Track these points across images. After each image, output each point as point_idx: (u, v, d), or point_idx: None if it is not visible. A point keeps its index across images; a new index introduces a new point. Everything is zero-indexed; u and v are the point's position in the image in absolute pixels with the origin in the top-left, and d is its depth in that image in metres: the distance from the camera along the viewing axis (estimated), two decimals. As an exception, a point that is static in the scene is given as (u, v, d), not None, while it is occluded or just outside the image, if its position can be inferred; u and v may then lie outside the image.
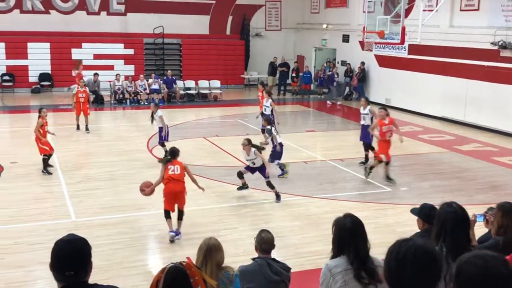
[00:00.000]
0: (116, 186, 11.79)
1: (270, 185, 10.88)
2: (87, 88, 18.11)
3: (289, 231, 9.30)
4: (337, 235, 3.79)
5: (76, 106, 17.41)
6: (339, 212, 9.66)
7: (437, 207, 4.61)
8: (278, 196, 10.88)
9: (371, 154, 13.53)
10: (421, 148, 16.27)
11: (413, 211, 5.09)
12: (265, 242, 5.18)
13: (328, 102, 25.11)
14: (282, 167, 12.73)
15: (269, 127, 12.99)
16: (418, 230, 5.01)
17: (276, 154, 12.70)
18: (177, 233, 8.97)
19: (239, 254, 8.13)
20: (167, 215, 9.02)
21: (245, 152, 10.91)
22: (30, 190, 11.37)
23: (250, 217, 10.04)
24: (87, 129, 17.35)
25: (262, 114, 15.71)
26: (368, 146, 13.84)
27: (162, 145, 13.97)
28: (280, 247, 7.20)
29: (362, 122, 14.02)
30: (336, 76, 25.48)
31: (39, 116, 12.64)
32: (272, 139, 12.80)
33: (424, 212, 4.95)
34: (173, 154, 9.31)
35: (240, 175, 11.19)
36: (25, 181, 12.00)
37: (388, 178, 12.25)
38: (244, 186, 11.25)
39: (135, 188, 11.46)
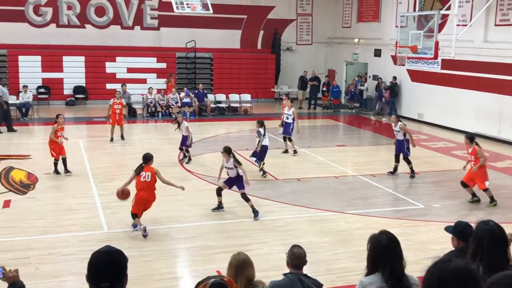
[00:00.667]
0: (147, 198, 11.87)
1: (245, 197, 10.76)
2: (123, 100, 18.66)
3: (320, 247, 9.22)
4: (372, 251, 3.74)
5: (112, 117, 17.92)
6: (371, 229, 9.56)
7: (472, 224, 4.53)
8: (255, 213, 10.57)
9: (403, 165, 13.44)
10: (454, 164, 15.98)
11: (448, 228, 5.00)
12: (297, 257, 5.13)
13: (371, 117, 24.45)
14: (258, 164, 14.03)
15: (260, 129, 13.90)
16: (452, 248, 4.91)
17: (258, 154, 13.92)
18: (135, 225, 9.75)
19: (269, 269, 8.09)
20: (134, 216, 9.66)
21: (224, 159, 10.99)
22: (64, 201, 11.55)
23: (280, 232, 9.99)
24: (122, 137, 17.97)
25: (283, 123, 16.55)
26: (405, 159, 14.20)
27: (186, 150, 15.29)
28: (311, 263, 7.13)
29: (397, 137, 14.38)
30: (383, 91, 24.65)
31: (55, 122, 13.47)
32: (259, 141, 13.89)
33: (459, 230, 4.85)
34: (145, 159, 9.87)
35: (219, 191, 11.01)
36: (58, 192, 12.22)
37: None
38: (220, 207, 11.04)
39: (166, 201, 11.59)
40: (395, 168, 14.30)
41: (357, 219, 10.77)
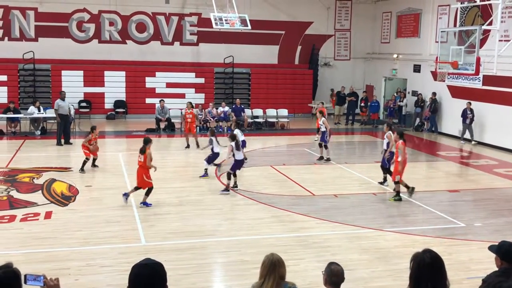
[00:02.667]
0: (185, 211, 11.97)
1: (228, 176, 13.40)
2: (194, 110, 20.51)
3: (358, 264, 9.09)
4: (415, 270, 3.66)
5: (185, 125, 20.09)
6: (410, 247, 9.41)
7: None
8: (225, 189, 13.23)
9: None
10: (496, 183, 15.62)
11: (491, 248, 4.85)
12: (335, 274, 5.06)
13: (461, 142, 22.16)
14: (206, 171, 14.98)
15: (212, 138, 14.99)
16: (495, 269, 4.77)
17: (211, 158, 15.00)
18: (127, 194, 12.30)
19: (305, 286, 8.03)
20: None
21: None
22: (103, 213, 11.72)
23: (317, 248, 9.90)
24: (198, 145, 19.01)
25: (318, 130, 18.28)
26: (382, 168, 14.70)
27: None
28: (349, 281, 7.01)
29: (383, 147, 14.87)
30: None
31: (91, 133, 15.53)
32: (212, 148, 14.91)
33: (503, 250, 4.71)
34: (145, 142, 12.45)
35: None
36: (98, 204, 12.41)
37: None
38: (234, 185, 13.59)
39: (204, 214, 11.68)
40: (385, 179, 14.67)
41: (396, 237, 10.60)
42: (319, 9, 29.34)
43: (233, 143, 13.51)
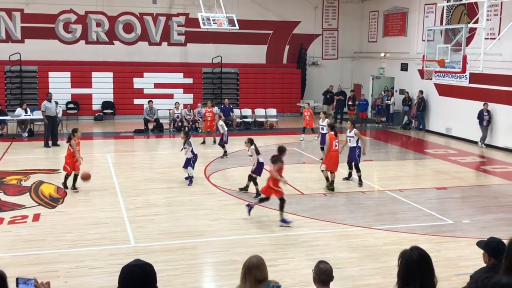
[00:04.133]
0: (174, 212, 11.95)
1: (253, 180, 13.22)
2: (214, 108, 21.21)
3: (347, 262, 9.13)
4: (403, 267, 3.68)
5: (204, 123, 20.95)
6: (399, 244, 9.47)
7: (505, 241, 4.44)
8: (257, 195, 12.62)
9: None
10: (483, 180, 15.75)
11: (480, 244, 4.89)
12: (323, 273, 5.08)
13: (481, 145, 20.78)
14: (191, 177, 14.37)
15: (188, 140, 14.43)
16: (483, 265, 4.82)
17: (193, 160, 14.39)
18: (250, 206, 11.55)
19: (295, 285, 8.07)
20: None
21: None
22: (91, 215, 11.66)
23: (307, 247, 9.92)
24: (214, 141, 19.86)
25: (319, 134, 17.78)
26: (355, 166, 14.52)
27: (223, 146, 17.71)
28: (338, 279, 7.05)
29: (349, 144, 14.61)
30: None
31: (73, 135, 13.49)
32: (192, 150, 14.32)
33: (491, 247, 4.75)
34: (279, 150, 11.71)
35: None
36: (87, 206, 12.34)
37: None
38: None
39: (193, 215, 11.66)
40: (350, 174, 14.82)
41: (385, 234, 10.65)
42: (307, 9, 29.40)
43: (253, 147, 13.31)
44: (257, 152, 13.27)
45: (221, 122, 17.82)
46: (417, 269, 3.60)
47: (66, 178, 13.58)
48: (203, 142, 20.28)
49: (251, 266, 4.83)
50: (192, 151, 14.37)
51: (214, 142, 19.90)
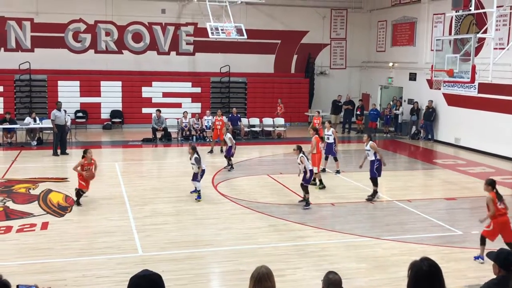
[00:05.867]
0: (182, 221, 11.93)
1: (306, 190, 13.11)
2: (223, 117, 21.32)
3: (355, 273, 9.07)
4: (413, 278, 3.64)
5: (214, 132, 20.84)
6: (407, 255, 9.40)
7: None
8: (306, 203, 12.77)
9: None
10: (493, 190, 15.61)
11: (489, 255, 4.84)
12: (332, 283, 5.03)
13: None
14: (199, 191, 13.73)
15: (196, 155, 13.68)
16: (492, 277, 4.76)
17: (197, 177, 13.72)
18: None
19: (303, 295, 8.01)
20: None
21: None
22: (99, 223, 11.67)
23: (315, 257, 9.87)
24: (221, 150, 19.83)
25: (325, 144, 17.01)
26: (372, 179, 14.01)
27: (229, 159, 17.28)
28: (347, 289, 7.01)
29: (368, 158, 14.07)
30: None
31: (83, 157, 13.11)
32: (198, 166, 13.65)
33: (501, 258, 4.70)
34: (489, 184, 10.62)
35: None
36: (94, 214, 12.36)
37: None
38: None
39: (201, 224, 11.65)
40: (375, 193, 14.01)
41: (393, 245, 10.58)
42: (315, 18, 29.45)
43: (302, 154, 13.00)
44: (307, 159, 13.15)
45: (229, 135, 17.46)
46: (427, 280, 3.57)
47: (79, 195, 13.03)
48: (211, 151, 20.21)
49: (261, 277, 4.80)
50: (199, 167, 13.78)
51: (222, 151, 19.83)
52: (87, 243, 10.39)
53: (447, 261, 9.57)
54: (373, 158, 13.88)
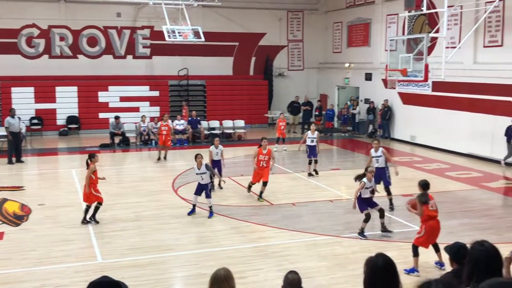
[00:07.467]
0: (142, 227, 11.81)
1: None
2: (169, 121, 20.50)
3: (316, 271, 9.17)
4: (369, 274, 3.71)
5: (159, 138, 19.90)
6: (367, 252, 9.54)
7: (469, 246, 4.52)
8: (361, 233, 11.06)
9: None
10: (448, 186, 16.03)
11: (446, 249, 4.97)
12: (291, 283, 5.09)
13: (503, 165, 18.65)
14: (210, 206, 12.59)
15: (207, 162, 13.07)
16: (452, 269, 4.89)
17: (207, 189, 12.58)
18: None
19: (266, 296, 8.04)
20: None
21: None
22: (57, 231, 11.44)
23: (276, 257, 9.92)
24: (165, 158, 19.46)
25: (308, 146, 17.09)
26: (386, 189, 13.22)
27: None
28: (308, 288, 7.08)
29: (378, 165, 13.03)
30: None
31: (92, 162, 11.85)
32: (210, 175, 12.71)
33: (453, 251, 4.84)
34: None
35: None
36: (52, 223, 12.11)
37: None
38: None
39: (162, 229, 11.55)
40: (390, 202, 13.14)
41: (353, 242, 10.74)
42: (272, 21, 29.64)
43: (365, 179, 11.15)
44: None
45: (221, 148, 15.43)
46: (382, 276, 3.64)
47: (87, 211, 12.02)
48: (159, 159, 19.41)
49: (218, 279, 4.80)
50: (210, 176, 12.73)
51: (165, 158, 19.45)
52: (45, 252, 10.18)
53: (405, 256, 9.75)
54: (383, 165, 13.11)
